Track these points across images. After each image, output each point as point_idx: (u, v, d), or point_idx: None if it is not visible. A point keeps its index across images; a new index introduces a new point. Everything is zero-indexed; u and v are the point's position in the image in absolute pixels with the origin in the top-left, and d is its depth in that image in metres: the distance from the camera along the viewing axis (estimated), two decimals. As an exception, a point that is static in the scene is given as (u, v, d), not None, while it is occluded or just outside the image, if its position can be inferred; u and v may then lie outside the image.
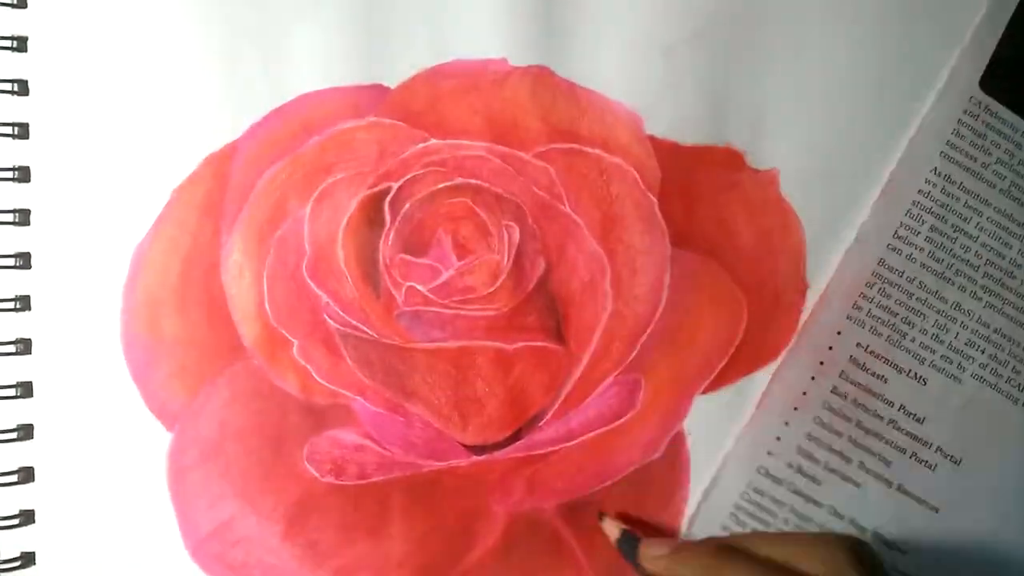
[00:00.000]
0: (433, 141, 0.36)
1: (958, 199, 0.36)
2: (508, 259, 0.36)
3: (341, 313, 0.35)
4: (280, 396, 0.35)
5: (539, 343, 0.36)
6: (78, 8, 0.35)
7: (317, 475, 0.35)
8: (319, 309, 0.36)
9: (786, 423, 0.36)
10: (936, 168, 0.36)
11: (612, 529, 0.36)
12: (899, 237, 0.36)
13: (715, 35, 0.36)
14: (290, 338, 0.35)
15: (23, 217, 0.35)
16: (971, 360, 0.37)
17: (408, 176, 0.36)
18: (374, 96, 0.36)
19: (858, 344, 0.36)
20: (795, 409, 0.36)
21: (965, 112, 0.36)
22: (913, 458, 0.37)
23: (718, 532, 0.37)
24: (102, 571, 0.35)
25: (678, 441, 0.36)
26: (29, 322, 0.35)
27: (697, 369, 0.36)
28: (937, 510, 0.37)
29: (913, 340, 0.36)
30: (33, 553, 0.35)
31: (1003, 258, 0.37)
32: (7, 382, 0.34)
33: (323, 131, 0.36)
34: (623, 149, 0.36)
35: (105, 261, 0.35)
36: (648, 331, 0.36)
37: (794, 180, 0.37)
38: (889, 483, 0.37)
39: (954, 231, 0.36)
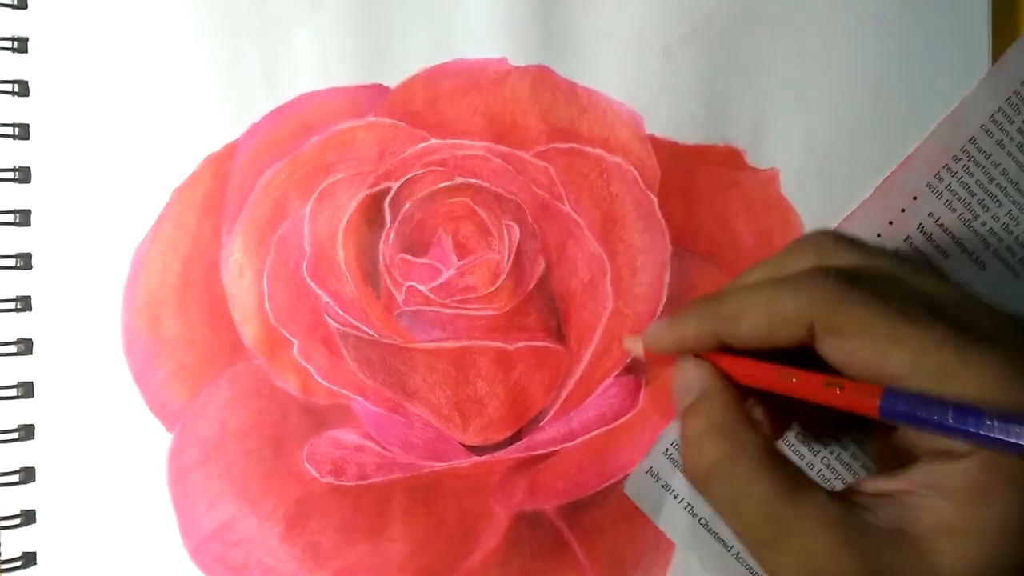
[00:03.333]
0: (433, 141, 0.36)
1: None
2: (508, 259, 0.36)
3: (341, 313, 0.36)
4: (280, 396, 0.35)
5: (540, 343, 0.36)
6: (78, 8, 0.35)
7: (317, 475, 0.35)
8: (319, 309, 0.36)
9: None
10: None
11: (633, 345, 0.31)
12: (995, 121, 0.36)
13: (715, 34, 0.36)
14: (290, 338, 0.35)
15: (24, 218, 0.35)
16: None
17: (408, 176, 0.36)
18: (374, 96, 0.36)
19: (930, 214, 0.36)
20: None
21: None
22: None
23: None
24: (103, 571, 0.35)
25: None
26: (30, 322, 0.35)
27: (698, 368, 0.36)
28: None
29: (984, 224, 0.36)
30: (34, 553, 0.35)
31: None
32: (8, 382, 0.34)
33: (323, 131, 0.36)
34: (623, 148, 0.36)
35: (105, 261, 0.35)
36: (648, 330, 0.36)
37: (794, 179, 0.37)
38: None
39: None
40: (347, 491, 0.36)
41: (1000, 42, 0.37)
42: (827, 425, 0.34)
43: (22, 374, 0.35)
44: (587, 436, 0.36)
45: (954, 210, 0.36)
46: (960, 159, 0.36)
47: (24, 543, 0.34)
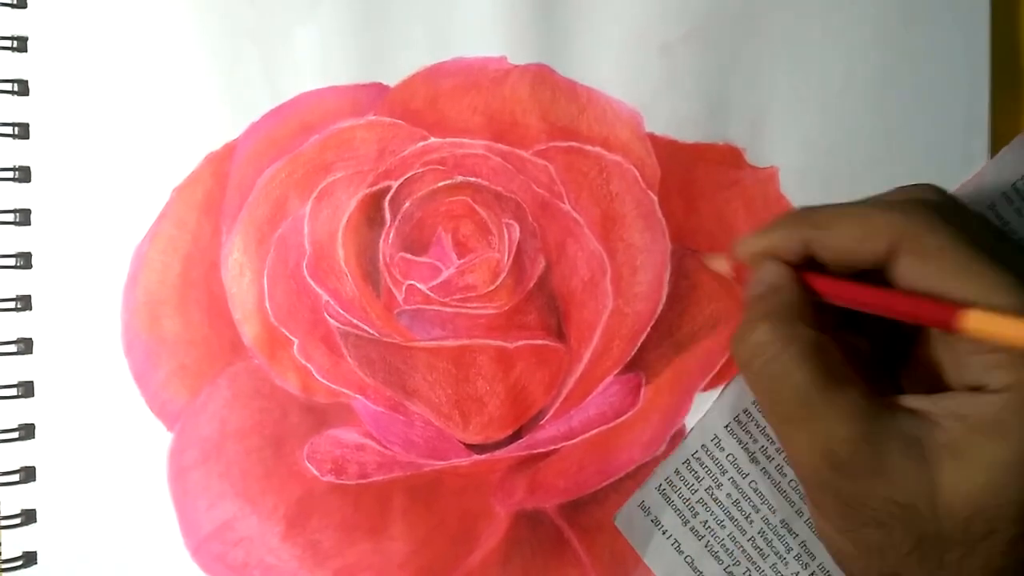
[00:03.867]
0: (433, 139, 0.36)
1: None
2: (508, 257, 0.36)
3: (342, 312, 0.36)
4: (281, 395, 0.35)
5: (540, 341, 0.36)
6: (78, 8, 0.35)
7: (318, 474, 0.35)
8: (319, 308, 0.36)
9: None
10: None
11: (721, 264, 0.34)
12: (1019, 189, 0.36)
13: (714, 33, 0.36)
14: (291, 337, 0.35)
15: (24, 217, 0.35)
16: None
17: (408, 175, 0.36)
18: (373, 95, 0.36)
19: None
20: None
21: None
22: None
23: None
24: (103, 571, 0.35)
25: (679, 438, 0.36)
26: (30, 322, 0.35)
27: (698, 366, 0.36)
28: None
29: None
30: (35, 552, 0.35)
31: None
32: (8, 382, 0.35)
33: (322, 130, 0.36)
34: (623, 147, 0.36)
35: (105, 261, 0.35)
36: (648, 329, 0.36)
37: (793, 177, 0.37)
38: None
39: None
40: (348, 490, 0.36)
41: (1000, 41, 0.37)
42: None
43: (22, 374, 0.35)
44: (587, 434, 0.36)
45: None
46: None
47: (25, 542, 0.35)
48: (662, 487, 0.36)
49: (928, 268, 0.27)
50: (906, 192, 0.30)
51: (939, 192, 0.30)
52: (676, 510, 0.36)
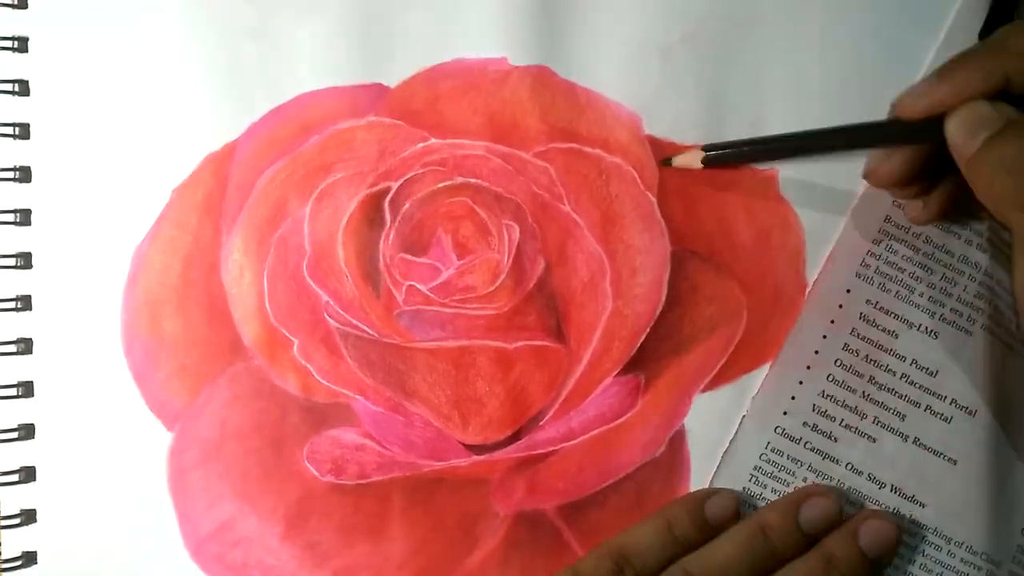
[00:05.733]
0: (433, 140, 0.36)
1: None
2: (508, 258, 0.36)
3: (341, 312, 0.36)
4: (280, 395, 0.36)
5: (539, 342, 0.36)
6: (78, 8, 0.35)
7: (317, 474, 0.35)
8: (319, 309, 0.36)
9: (800, 382, 0.36)
10: None
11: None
12: None
13: (713, 35, 0.37)
14: (290, 337, 0.35)
15: (24, 217, 0.35)
16: (980, 312, 0.36)
17: (408, 175, 0.36)
18: (373, 95, 0.36)
19: (867, 301, 0.36)
20: (808, 368, 0.36)
21: None
22: (928, 411, 0.36)
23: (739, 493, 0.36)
24: (103, 571, 0.35)
25: (679, 440, 0.36)
26: (30, 322, 0.35)
27: (697, 367, 0.36)
28: (955, 462, 0.36)
29: (922, 295, 0.36)
30: (35, 552, 0.35)
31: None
32: (8, 382, 0.35)
33: (322, 130, 0.36)
34: (622, 148, 0.36)
35: (106, 261, 0.35)
36: (648, 330, 0.36)
37: (792, 179, 0.37)
38: (905, 437, 0.36)
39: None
40: (347, 490, 0.36)
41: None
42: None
43: (22, 374, 0.35)
44: (587, 436, 0.36)
45: (889, 291, 0.36)
46: (881, 241, 0.36)
47: (25, 542, 0.35)
48: None
49: None
50: None
51: None
52: None
